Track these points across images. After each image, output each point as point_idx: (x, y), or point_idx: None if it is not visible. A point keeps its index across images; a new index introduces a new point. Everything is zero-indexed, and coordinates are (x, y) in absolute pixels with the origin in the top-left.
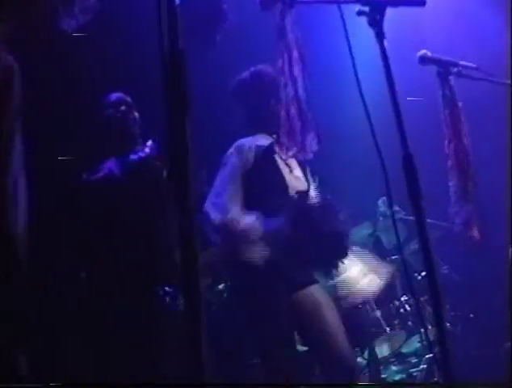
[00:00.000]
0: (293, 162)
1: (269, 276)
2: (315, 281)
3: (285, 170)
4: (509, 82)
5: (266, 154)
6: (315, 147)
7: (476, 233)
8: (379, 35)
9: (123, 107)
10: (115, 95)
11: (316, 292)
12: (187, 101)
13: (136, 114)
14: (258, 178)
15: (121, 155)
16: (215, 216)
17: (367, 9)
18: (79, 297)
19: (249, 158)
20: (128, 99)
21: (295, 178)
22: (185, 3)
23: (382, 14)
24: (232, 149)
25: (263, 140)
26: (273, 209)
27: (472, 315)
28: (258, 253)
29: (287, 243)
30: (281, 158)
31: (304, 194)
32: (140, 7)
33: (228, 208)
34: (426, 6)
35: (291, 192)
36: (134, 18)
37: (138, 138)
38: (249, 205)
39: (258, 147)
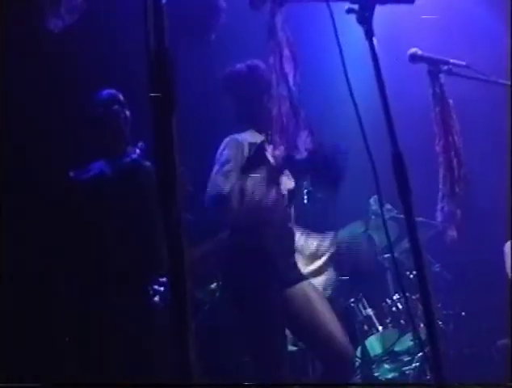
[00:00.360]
0: (283, 161)
1: (260, 273)
2: (305, 277)
3: (276, 168)
4: (503, 80)
5: (259, 152)
6: (309, 145)
7: (454, 232)
8: (369, 33)
9: (115, 107)
10: (107, 92)
11: (307, 288)
12: (174, 100)
13: (128, 112)
14: (250, 174)
15: (112, 155)
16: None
17: (356, 7)
18: (68, 297)
19: (244, 153)
20: (120, 96)
21: (286, 176)
22: (173, 2)
23: (371, 12)
24: (224, 144)
25: (254, 137)
26: (264, 207)
27: (463, 313)
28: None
29: None
30: (272, 155)
31: (292, 192)
32: (127, 6)
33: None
34: (418, 3)
35: (283, 191)
36: (121, 17)
37: (129, 138)
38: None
39: (251, 144)
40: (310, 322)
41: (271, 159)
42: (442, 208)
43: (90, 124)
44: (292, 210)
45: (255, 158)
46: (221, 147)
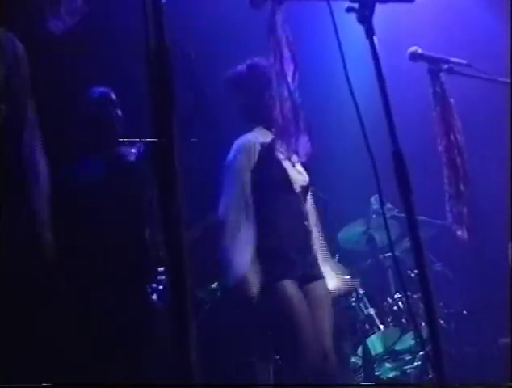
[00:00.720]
0: (294, 156)
1: (276, 271)
2: (321, 276)
3: (288, 165)
4: (505, 80)
5: (270, 151)
6: (309, 150)
7: (464, 232)
8: (369, 32)
9: (107, 105)
10: (98, 91)
11: (321, 287)
12: (173, 99)
13: (119, 111)
14: (263, 175)
15: (105, 154)
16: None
17: (356, 5)
18: (68, 297)
19: (255, 156)
20: (112, 95)
21: (298, 172)
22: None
23: (371, 11)
24: (234, 150)
25: (264, 136)
26: (279, 206)
27: (465, 312)
28: None
29: None
30: (282, 153)
31: (305, 188)
32: (126, 6)
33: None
34: (418, 2)
35: (296, 187)
36: (120, 17)
37: (120, 136)
38: (256, 203)
39: (262, 145)
40: (311, 322)
41: (282, 156)
42: (451, 209)
43: (81, 122)
44: (307, 207)
45: (268, 157)
46: (233, 151)
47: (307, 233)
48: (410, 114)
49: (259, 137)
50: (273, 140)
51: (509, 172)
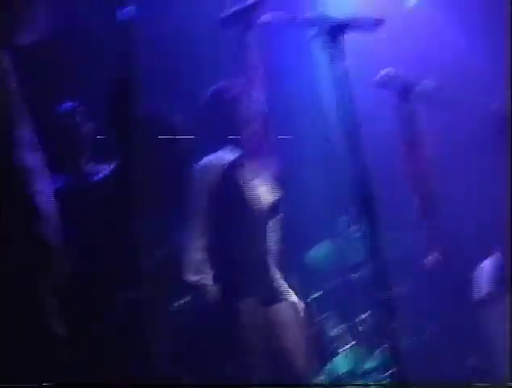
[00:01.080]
0: (263, 175)
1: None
2: (285, 298)
3: (255, 184)
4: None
5: (232, 170)
6: (278, 169)
7: (433, 254)
8: (338, 56)
9: (75, 118)
10: (67, 105)
11: (285, 309)
12: (137, 115)
13: (91, 124)
14: (224, 194)
15: (74, 168)
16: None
17: (324, 31)
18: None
19: (212, 178)
20: (82, 108)
21: (266, 190)
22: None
23: (341, 36)
24: (197, 167)
25: (229, 155)
26: (239, 224)
27: (429, 332)
28: None
29: None
30: (250, 172)
31: (275, 205)
32: (94, 26)
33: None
34: (399, 22)
35: (261, 206)
36: (91, 31)
37: (90, 150)
38: (216, 223)
39: (224, 164)
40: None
41: (247, 175)
42: (420, 231)
43: (50, 136)
44: (270, 225)
45: (229, 176)
46: (195, 168)
47: (267, 253)
48: (380, 137)
49: (225, 156)
50: (238, 158)
51: (509, 178)
